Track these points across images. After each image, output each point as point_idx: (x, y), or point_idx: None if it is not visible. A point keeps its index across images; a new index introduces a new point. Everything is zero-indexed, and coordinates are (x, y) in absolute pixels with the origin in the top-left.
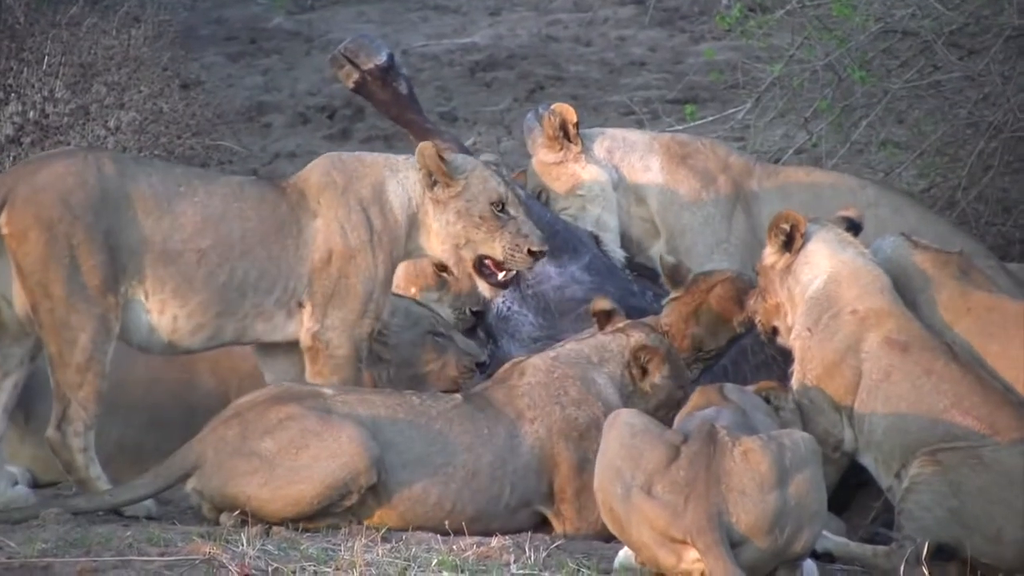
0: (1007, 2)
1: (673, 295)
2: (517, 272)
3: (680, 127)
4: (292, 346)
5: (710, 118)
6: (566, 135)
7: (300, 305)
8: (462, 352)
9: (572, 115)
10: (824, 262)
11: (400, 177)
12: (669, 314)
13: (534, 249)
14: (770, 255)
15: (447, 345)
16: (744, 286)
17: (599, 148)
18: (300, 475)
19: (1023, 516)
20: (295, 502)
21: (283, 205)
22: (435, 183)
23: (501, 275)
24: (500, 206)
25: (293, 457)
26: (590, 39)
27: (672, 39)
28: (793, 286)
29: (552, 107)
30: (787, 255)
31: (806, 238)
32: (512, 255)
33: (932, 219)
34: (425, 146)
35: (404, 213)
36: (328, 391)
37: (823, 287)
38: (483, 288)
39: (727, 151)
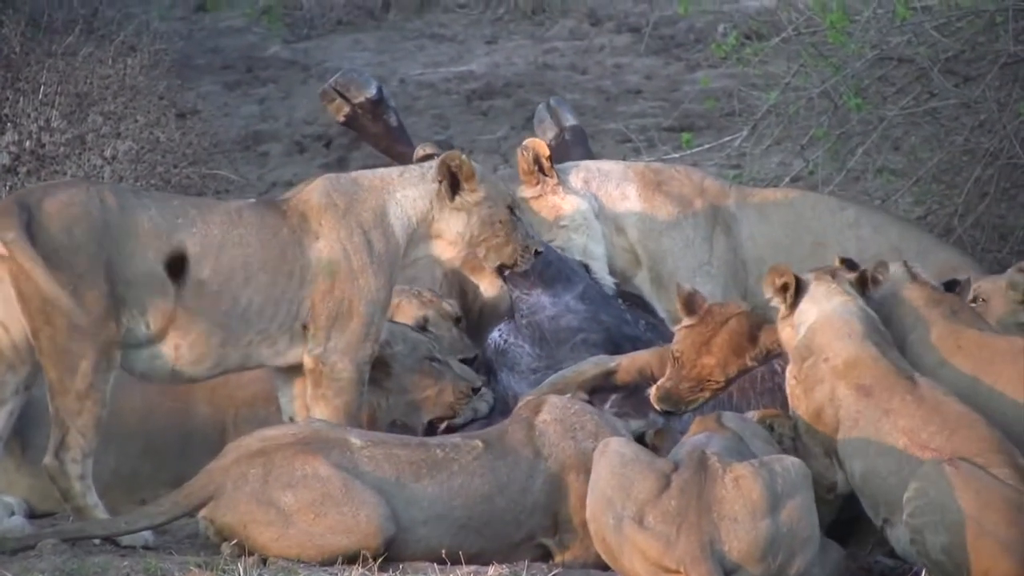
0: (1002, 29)
1: (686, 323)
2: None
3: (676, 155)
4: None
5: (706, 146)
6: (541, 169)
7: (304, 328)
8: (458, 378)
9: (544, 149)
10: (811, 314)
11: (398, 198)
12: (681, 341)
13: (540, 250)
14: (771, 302)
15: (444, 371)
16: (758, 320)
17: (575, 179)
18: (312, 541)
19: (1007, 553)
20: (302, 560)
21: (284, 228)
22: (459, 191)
23: (507, 272)
24: (512, 210)
25: (310, 522)
26: (586, 67)
27: (668, 67)
28: (790, 336)
29: (524, 143)
30: (784, 307)
31: (803, 288)
32: (523, 256)
33: (915, 235)
34: (453, 155)
35: (405, 234)
36: (356, 441)
37: (804, 337)
38: (489, 288)
39: (701, 175)
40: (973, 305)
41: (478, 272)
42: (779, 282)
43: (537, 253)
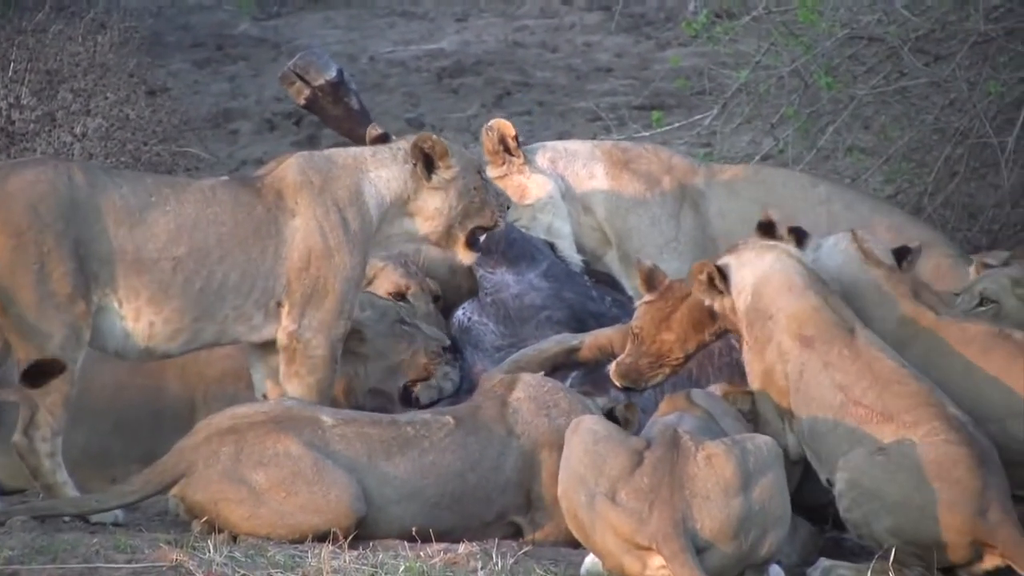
0: (973, 8)
1: (646, 299)
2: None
3: (646, 133)
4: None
5: (676, 124)
6: (506, 149)
7: (279, 305)
8: (429, 338)
9: (510, 129)
10: (750, 279)
11: (372, 178)
12: (641, 318)
13: (509, 205)
14: (714, 304)
15: (415, 333)
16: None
17: (542, 159)
18: (283, 520)
19: (954, 510)
20: (273, 538)
21: (259, 206)
22: (434, 170)
23: (483, 239)
24: (480, 173)
25: (281, 500)
26: (557, 45)
27: (638, 45)
28: (735, 320)
29: (490, 123)
30: (726, 297)
31: (729, 271)
32: (500, 215)
33: (886, 210)
34: (424, 137)
35: (378, 212)
36: (328, 420)
37: (750, 302)
38: (465, 257)
39: (669, 153)
40: (982, 309)
41: (453, 243)
42: (704, 276)
43: (507, 207)
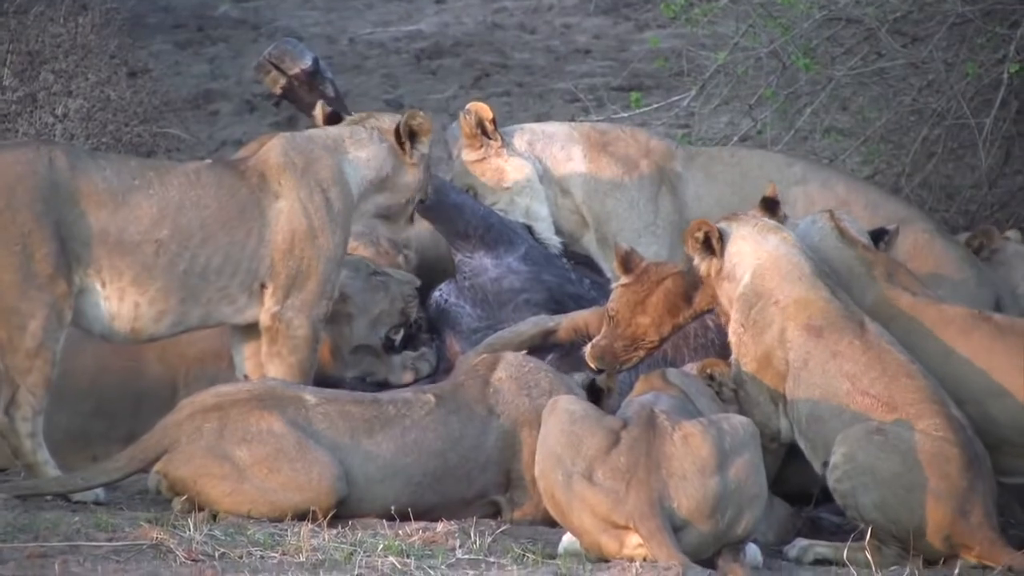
0: None
1: (623, 282)
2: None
3: (625, 115)
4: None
5: (655, 106)
6: (484, 132)
7: (263, 286)
8: (401, 282)
9: (488, 112)
10: (750, 258)
11: (351, 158)
12: (617, 300)
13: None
14: (700, 265)
15: (387, 281)
16: (694, 281)
17: (519, 141)
18: (265, 497)
19: (938, 502)
20: (253, 515)
21: (243, 188)
22: (416, 146)
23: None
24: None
25: (263, 478)
26: (535, 26)
27: (617, 27)
28: (730, 288)
29: (468, 107)
30: (715, 260)
31: (726, 237)
32: (432, 188)
33: (861, 188)
34: (413, 114)
35: (358, 191)
36: (311, 398)
37: (750, 282)
38: (409, 229)
39: (647, 136)
40: None
41: (404, 216)
42: (700, 234)
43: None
